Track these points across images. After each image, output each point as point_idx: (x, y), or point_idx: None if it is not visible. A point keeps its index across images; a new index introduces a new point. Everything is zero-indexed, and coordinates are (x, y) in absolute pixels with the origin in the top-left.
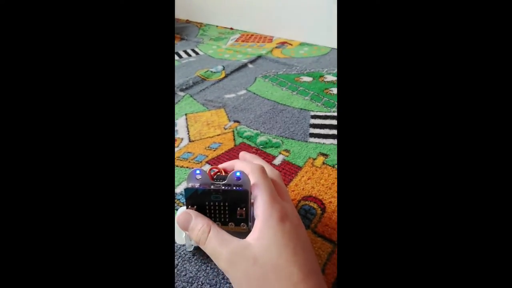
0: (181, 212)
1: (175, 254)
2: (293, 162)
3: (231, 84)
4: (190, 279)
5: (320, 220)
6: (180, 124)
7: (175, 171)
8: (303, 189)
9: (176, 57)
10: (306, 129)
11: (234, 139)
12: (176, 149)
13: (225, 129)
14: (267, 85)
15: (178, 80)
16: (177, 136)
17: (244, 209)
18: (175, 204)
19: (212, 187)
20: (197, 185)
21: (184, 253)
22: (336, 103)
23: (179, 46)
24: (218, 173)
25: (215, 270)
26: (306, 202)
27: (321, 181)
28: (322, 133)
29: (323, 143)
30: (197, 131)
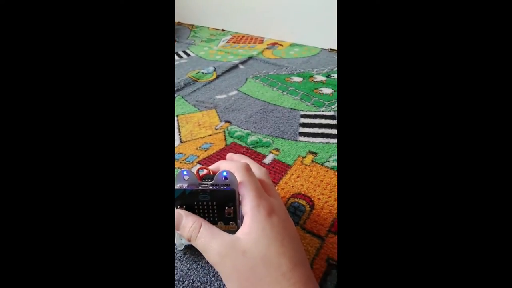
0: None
1: None
2: (283, 161)
3: (222, 85)
4: (181, 278)
5: (309, 216)
6: None
7: None
8: (292, 186)
9: None
10: (296, 128)
11: (225, 139)
12: None
13: (216, 129)
14: (258, 85)
15: None
16: None
17: (232, 208)
18: None
19: (200, 187)
20: (185, 185)
21: (175, 252)
22: (325, 102)
23: None
24: (207, 174)
25: (206, 268)
26: (295, 200)
27: (310, 178)
28: (311, 132)
29: (313, 142)
30: (188, 132)
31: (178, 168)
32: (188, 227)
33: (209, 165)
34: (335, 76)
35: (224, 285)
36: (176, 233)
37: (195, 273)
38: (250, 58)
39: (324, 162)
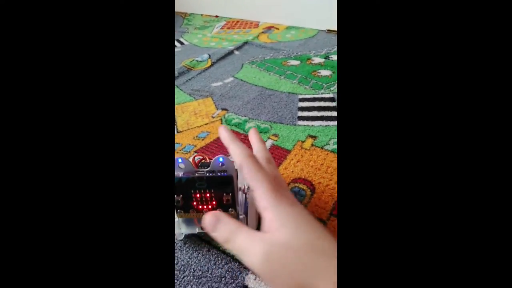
0: (208, 213)
1: None
2: (282, 146)
3: (217, 72)
4: (182, 267)
5: (310, 200)
6: None
7: None
8: (292, 171)
9: None
10: (295, 112)
11: None
12: None
13: (213, 117)
14: (254, 71)
15: None
16: None
17: (230, 194)
18: None
19: (196, 174)
20: (180, 174)
21: (175, 242)
22: (324, 84)
23: None
24: (203, 161)
25: (206, 257)
26: (296, 184)
27: (310, 162)
28: (310, 115)
29: (312, 125)
30: (184, 122)
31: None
32: (227, 228)
33: (207, 153)
34: (333, 57)
35: (226, 271)
36: (176, 222)
37: (196, 262)
38: (245, 43)
39: (324, 145)
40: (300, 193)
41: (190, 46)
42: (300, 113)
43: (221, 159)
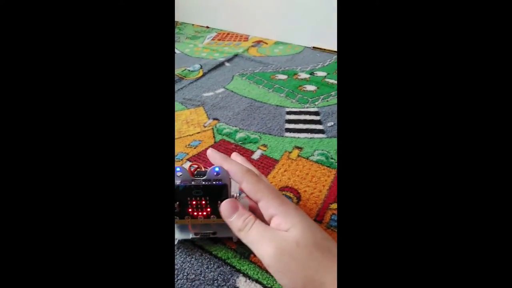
0: (227, 200)
1: None
2: (271, 156)
3: (209, 83)
4: (176, 271)
5: None
6: None
7: None
8: (280, 180)
9: None
10: (282, 124)
11: (214, 136)
12: None
13: (205, 126)
14: (244, 83)
15: None
16: None
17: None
18: None
19: (192, 183)
20: (178, 182)
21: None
22: (309, 99)
23: None
24: (198, 169)
25: (199, 261)
26: (283, 192)
27: (296, 172)
28: (297, 127)
29: (298, 137)
30: (176, 130)
31: None
32: (243, 218)
33: (200, 162)
34: (318, 73)
35: (219, 274)
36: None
37: (189, 266)
38: (235, 55)
39: (309, 156)
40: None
41: (182, 56)
42: (287, 125)
43: (216, 169)
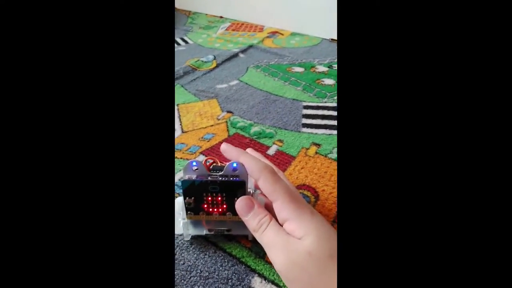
0: (244, 197)
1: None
2: (287, 152)
3: (222, 74)
4: (189, 268)
5: (314, 207)
6: None
7: None
8: (297, 178)
9: None
10: (299, 119)
11: (227, 130)
12: None
13: (218, 119)
14: (259, 75)
15: None
16: None
17: None
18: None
19: (209, 178)
20: (194, 176)
21: (181, 243)
22: (328, 93)
23: None
24: (214, 164)
25: (213, 258)
26: (300, 191)
27: (314, 170)
28: (314, 123)
29: (316, 133)
30: (189, 122)
31: (181, 158)
32: (259, 218)
33: (214, 156)
34: (336, 67)
35: (233, 273)
36: (183, 223)
37: (203, 263)
38: (250, 46)
39: (328, 153)
40: (305, 199)
41: (195, 46)
42: (304, 120)
43: (234, 165)
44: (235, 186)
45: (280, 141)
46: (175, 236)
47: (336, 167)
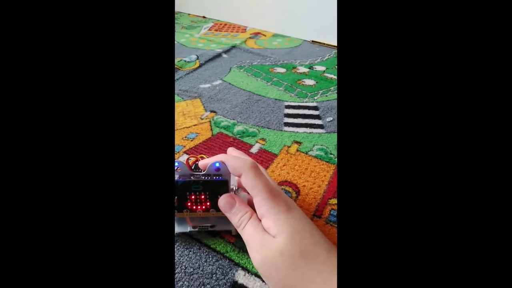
0: (226, 195)
1: None
2: (269, 150)
3: (205, 74)
4: (174, 265)
5: (295, 202)
6: None
7: None
8: (279, 174)
9: None
10: (281, 118)
11: (211, 129)
12: None
13: (202, 119)
14: (242, 75)
15: None
16: None
17: None
18: None
19: (192, 178)
20: (176, 176)
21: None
22: (308, 93)
23: None
24: (197, 162)
25: (198, 254)
26: (282, 187)
27: (295, 167)
28: (295, 122)
29: (297, 132)
30: None
31: None
32: (240, 215)
33: (197, 154)
34: (317, 67)
35: (217, 268)
36: None
37: (187, 259)
38: (233, 47)
39: (308, 151)
40: (287, 195)
41: (178, 46)
42: (286, 119)
43: (217, 164)
44: (218, 185)
45: (263, 139)
46: None
47: (315, 164)
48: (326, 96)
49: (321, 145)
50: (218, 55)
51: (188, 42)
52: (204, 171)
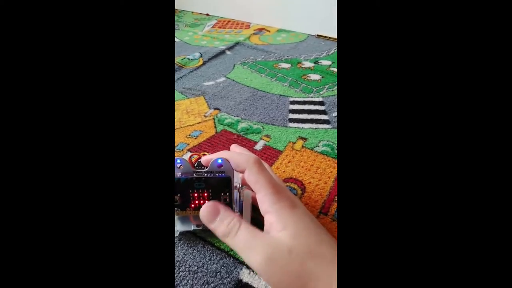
0: (207, 204)
1: None
2: (274, 147)
3: (209, 71)
4: (178, 263)
5: (301, 199)
6: None
7: None
8: (284, 171)
9: None
10: (286, 114)
11: (215, 127)
12: None
13: (206, 116)
14: (246, 72)
15: None
16: None
17: (227, 193)
18: None
19: (194, 175)
20: (179, 174)
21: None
22: (314, 88)
23: None
24: (199, 160)
25: (202, 253)
26: (288, 184)
27: (300, 163)
28: (301, 118)
29: (302, 128)
30: (176, 120)
31: None
32: (227, 222)
33: (200, 152)
34: (322, 62)
35: (221, 266)
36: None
37: (191, 258)
38: (237, 43)
39: (314, 147)
40: (292, 192)
41: (181, 44)
42: (291, 115)
43: (219, 161)
44: (220, 182)
45: (267, 136)
46: None
47: (321, 160)
48: (332, 90)
49: (327, 141)
50: (222, 52)
51: (192, 40)
52: (207, 167)
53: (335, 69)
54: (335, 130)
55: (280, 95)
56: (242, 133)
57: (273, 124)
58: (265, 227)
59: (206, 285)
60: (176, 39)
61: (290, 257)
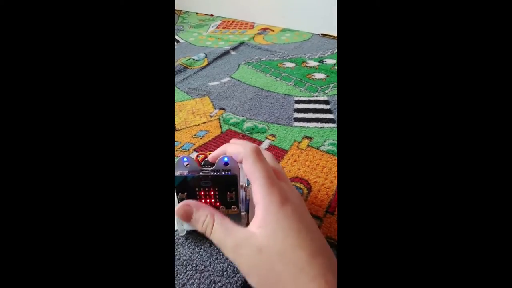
0: (181, 204)
1: None
2: (279, 146)
3: (214, 72)
4: (185, 262)
5: (307, 199)
6: None
7: None
8: (289, 171)
9: None
10: (291, 113)
11: (220, 126)
12: None
13: (211, 116)
14: (250, 71)
15: None
16: None
17: (234, 192)
18: None
19: (201, 173)
20: (185, 172)
21: (177, 238)
22: (319, 87)
23: None
24: (205, 159)
25: (208, 252)
26: (293, 183)
27: (306, 162)
28: (306, 117)
29: (307, 127)
30: (182, 120)
31: (175, 156)
32: (202, 221)
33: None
34: (327, 61)
35: (228, 266)
36: (177, 218)
37: (198, 257)
38: (241, 44)
39: (320, 146)
40: (298, 191)
41: (186, 45)
42: (296, 115)
43: (225, 159)
44: (227, 180)
45: (273, 135)
46: None
47: (327, 159)
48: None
49: (333, 140)
50: (226, 53)
51: (197, 41)
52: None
53: None
54: None
55: (285, 94)
56: (248, 132)
57: (278, 124)
58: (251, 220)
59: (213, 284)
60: (181, 40)
61: (259, 256)
